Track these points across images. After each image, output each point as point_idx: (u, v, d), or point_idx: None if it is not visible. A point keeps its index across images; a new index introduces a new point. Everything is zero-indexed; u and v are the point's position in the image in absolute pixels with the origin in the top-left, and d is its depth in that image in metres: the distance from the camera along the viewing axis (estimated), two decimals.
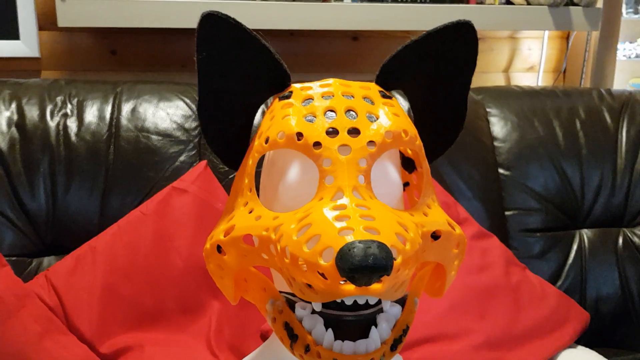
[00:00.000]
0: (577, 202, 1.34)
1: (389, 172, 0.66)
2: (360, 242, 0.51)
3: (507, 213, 1.32)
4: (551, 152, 1.35)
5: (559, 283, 1.29)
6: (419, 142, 0.65)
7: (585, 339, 1.20)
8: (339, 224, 0.54)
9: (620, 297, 1.30)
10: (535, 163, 1.34)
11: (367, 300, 0.59)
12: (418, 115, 0.71)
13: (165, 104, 1.22)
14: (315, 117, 0.61)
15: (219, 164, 1.19)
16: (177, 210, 1.11)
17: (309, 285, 0.55)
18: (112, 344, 1.03)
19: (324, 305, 0.60)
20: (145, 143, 1.18)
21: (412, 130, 0.64)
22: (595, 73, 1.83)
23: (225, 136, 0.69)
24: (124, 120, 1.19)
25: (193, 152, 1.20)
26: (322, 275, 0.53)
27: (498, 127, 1.37)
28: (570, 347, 1.13)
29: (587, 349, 1.13)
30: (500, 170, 1.33)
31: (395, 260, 0.52)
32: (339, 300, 0.56)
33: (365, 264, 0.49)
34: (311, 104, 0.63)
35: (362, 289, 0.52)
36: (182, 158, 1.18)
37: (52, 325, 1.00)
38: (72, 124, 1.18)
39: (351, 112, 0.61)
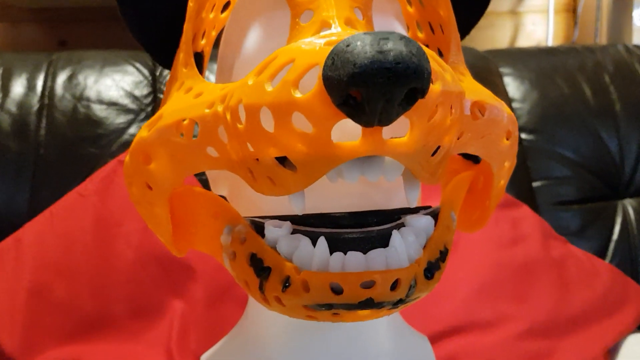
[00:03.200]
0: (616, 167, 1.11)
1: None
2: (366, 33, 0.28)
3: (534, 184, 1.09)
4: (580, 111, 1.12)
5: None
6: None
7: None
8: (323, 40, 0.31)
9: None
10: (562, 124, 1.11)
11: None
12: None
13: (111, 69, 1.00)
14: None
15: None
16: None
17: (282, 162, 0.32)
18: None
19: (309, 222, 0.36)
20: (85, 113, 0.95)
21: None
22: (610, 43, 1.62)
23: (156, 21, 0.48)
24: (59, 90, 0.97)
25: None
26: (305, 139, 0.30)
27: (513, 86, 1.15)
28: (634, 332, 0.88)
29: None
30: (523, 135, 1.11)
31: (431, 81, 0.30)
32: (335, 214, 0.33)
33: (380, 63, 0.26)
34: None
35: (377, 139, 0.29)
36: (131, 130, 0.95)
37: None
38: None
39: None
